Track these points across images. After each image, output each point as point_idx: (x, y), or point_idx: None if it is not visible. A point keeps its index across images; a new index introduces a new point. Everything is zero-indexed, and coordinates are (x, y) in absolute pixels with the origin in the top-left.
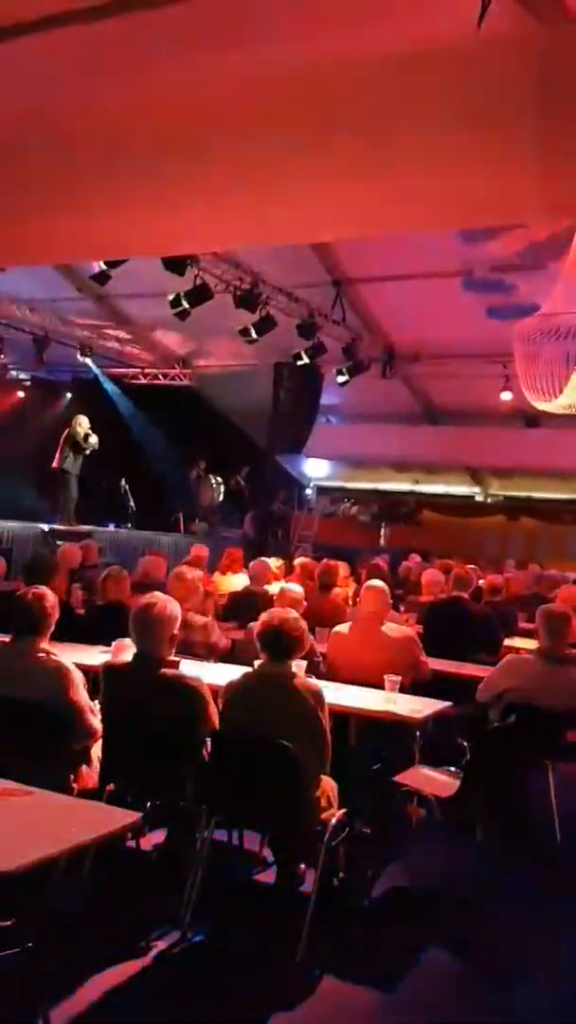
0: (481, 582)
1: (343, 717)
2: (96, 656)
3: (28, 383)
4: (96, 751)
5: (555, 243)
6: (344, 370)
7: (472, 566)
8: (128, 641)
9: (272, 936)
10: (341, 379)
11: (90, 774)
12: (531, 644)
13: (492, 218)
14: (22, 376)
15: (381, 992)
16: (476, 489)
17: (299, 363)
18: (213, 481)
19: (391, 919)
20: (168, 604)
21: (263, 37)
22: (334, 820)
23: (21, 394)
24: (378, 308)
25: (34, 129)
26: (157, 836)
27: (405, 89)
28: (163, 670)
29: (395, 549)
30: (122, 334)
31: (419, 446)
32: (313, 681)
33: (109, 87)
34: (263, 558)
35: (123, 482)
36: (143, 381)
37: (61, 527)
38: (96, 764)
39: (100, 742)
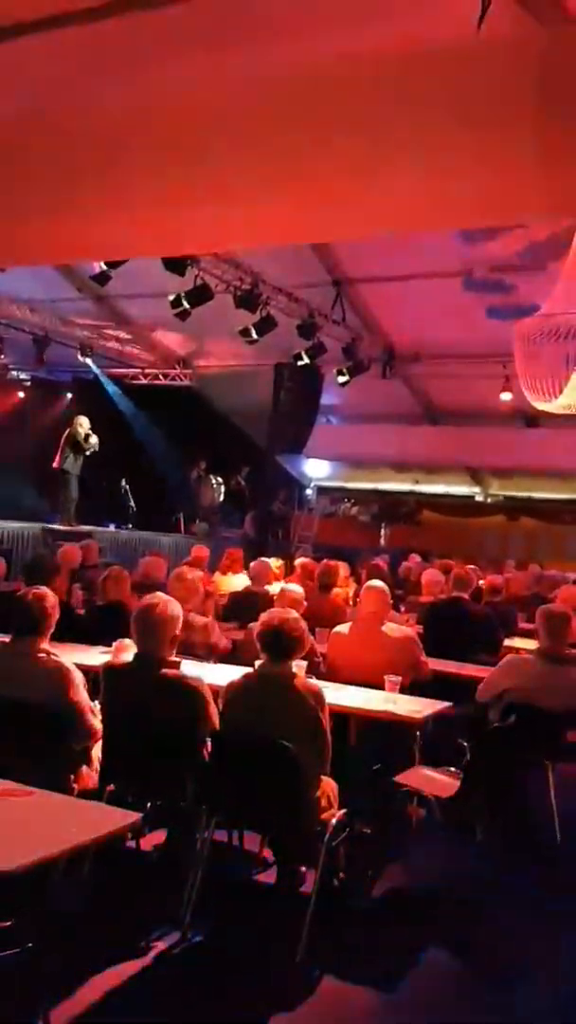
0: (481, 582)
1: (343, 717)
2: (96, 656)
3: (28, 383)
4: (96, 751)
5: (555, 243)
6: (344, 370)
7: (472, 566)
8: (129, 641)
9: (272, 936)
10: (341, 379)
11: (90, 774)
12: (531, 644)
13: (492, 218)
14: (22, 376)
15: (381, 992)
16: (476, 489)
17: (299, 363)
18: (213, 481)
19: (391, 919)
20: (170, 605)
21: (263, 37)
22: (334, 820)
23: (21, 394)
24: (378, 308)
25: (34, 129)
26: (157, 836)
27: (405, 89)
28: (164, 670)
29: (395, 549)
30: (122, 334)
31: (419, 446)
32: (313, 681)
33: (109, 87)
34: (263, 558)
35: (123, 482)
36: (143, 381)
37: (61, 527)
38: (96, 764)
39: (100, 742)
